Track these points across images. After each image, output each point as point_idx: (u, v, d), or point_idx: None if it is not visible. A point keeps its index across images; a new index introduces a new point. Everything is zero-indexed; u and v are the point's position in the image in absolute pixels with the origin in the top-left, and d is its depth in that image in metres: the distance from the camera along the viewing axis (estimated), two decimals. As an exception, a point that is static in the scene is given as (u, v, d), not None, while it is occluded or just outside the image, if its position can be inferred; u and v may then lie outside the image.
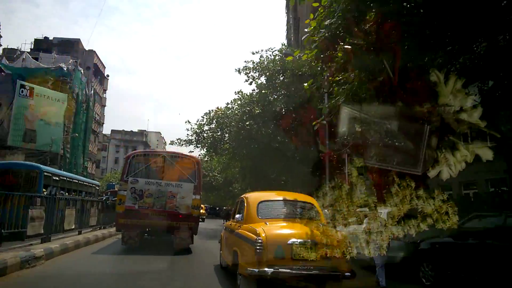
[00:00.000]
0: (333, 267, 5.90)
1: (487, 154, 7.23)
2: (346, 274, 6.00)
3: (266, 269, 5.63)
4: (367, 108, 5.75)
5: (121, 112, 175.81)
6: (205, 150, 27.98)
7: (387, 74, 5.93)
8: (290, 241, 5.82)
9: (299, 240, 5.86)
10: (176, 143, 29.30)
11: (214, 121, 26.60)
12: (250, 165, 24.43)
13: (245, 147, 22.48)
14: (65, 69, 39.28)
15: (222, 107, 27.39)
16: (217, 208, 60.89)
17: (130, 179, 11.70)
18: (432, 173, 7.31)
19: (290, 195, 7.90)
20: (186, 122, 43.39)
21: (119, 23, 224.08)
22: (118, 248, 11.99)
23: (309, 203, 7.36)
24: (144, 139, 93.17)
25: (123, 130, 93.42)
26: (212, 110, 26.79)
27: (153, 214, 11.41)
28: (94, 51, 54.76)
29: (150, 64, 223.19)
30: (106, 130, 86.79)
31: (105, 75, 59.33)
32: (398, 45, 5.78)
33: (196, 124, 27.48)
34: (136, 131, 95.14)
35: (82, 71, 43.25)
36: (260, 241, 5.82)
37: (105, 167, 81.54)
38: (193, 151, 27.81)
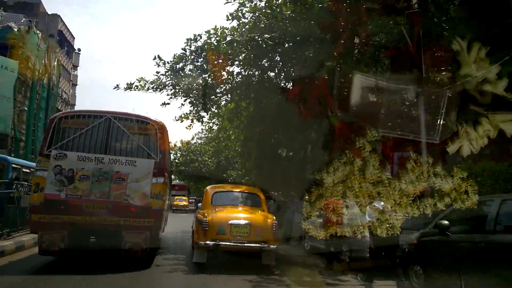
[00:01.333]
0: (263, 241, 7.82)
1: (511, 128, 6.75)
2: (272, 246, 7.88)
3: (209, 242, 7.72)
4: (381, 76, 5.41)
5: (106, 103, 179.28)
6: (188, 103, 14.55)
7: (404, 41, 5.51)
8: (230, 222, 7.91)
9: (237, 222, 7.92)
10: (137, 86, 13.72)
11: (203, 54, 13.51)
12: (260, 134, 15.20)
13: (256, 93, 12.97)
14: (15, 29, 31.69)
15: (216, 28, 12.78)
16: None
17: (53, 152, 7.81)
18: (451, 149, 6.88)
19: (240, 188, 10.22)
20: (154, 58, 13.46)
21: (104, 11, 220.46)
22: (35, 263, 7.97)
23: (254, 193, 9.53)
24: None
25: None
26: (199, 36, 12.96)
27: (90, 206, 7.65)
28: (59, 16, 44.18)
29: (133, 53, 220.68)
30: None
31: (76, 48, 50.96)
32: (418, 9, 5.37)
33: (173, 59, 13.52)
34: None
35: (39, 35, 34.72)
36: (206, 221, 7.98)
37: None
38: (169, 103, 14.10)
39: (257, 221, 7.94)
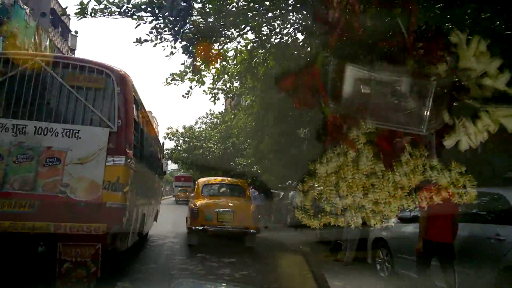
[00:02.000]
0: (245, 227, 9.09)
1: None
2: (252, 231, 9.20)
3: (198, 227, 9.11)
4: (375, 68, 5.34)
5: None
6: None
7: (400, 34, 5.39)
8: (216, 210, 9.35)
9: (222, 209, 9.32)
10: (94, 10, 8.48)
11: None
12: (280, 104, 11.40)
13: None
14: (-4, 1, 27.11)
15: None
16: None
17: None
18: (448, 143, 6.74)
19: (226, 180, 11.87)
20: None
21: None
22: None
23: (238, 185, 11.30)
24: None
25: None
26: None
27: (3, 204, 5.10)
28: (51, -8, 34.40)
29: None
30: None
31: (73, 31, 46.78)
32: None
33: None
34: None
35: (27, 10, 30.81)
36: (196, 210, 9.39)
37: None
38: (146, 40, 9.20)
39: (239, 209, 9.41)
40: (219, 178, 13.13)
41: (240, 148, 34.12)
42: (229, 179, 12.65)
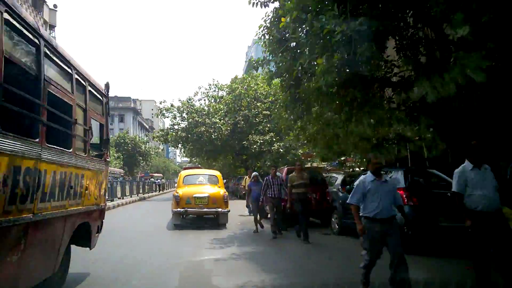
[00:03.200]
0: (217, 208, 11.08)
1: (480, 76, 6.57)
2: (224, 210, 11.13)
3: (180, 209, 10.91)
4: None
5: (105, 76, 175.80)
6: None
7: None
8: (194, 195, 11.05)
9: (199, 195, 11.09)
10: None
11: None
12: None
13: None
14: None
15: None
16: (225, 181, 34.76)
17: None
18: (415, 95, 6.63)
19: (204, 171, 14.55)
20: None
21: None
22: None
23: (214, 175, 13.01)
24: (132, 105, 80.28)
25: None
26: None
27: None
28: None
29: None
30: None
31: (52, 5, 39.67)
32: None
33: None
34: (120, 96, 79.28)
35: None
36: (178, 196, 11.13)
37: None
38: None
39: (213, 194, 11.24)
40: (198, 170, 15.63)
41: (254, 123, 27.94)
42: (206, 170, 15.49)
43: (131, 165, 58.94)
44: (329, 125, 7.11)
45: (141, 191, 29.73)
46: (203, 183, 12.06)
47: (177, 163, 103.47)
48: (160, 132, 35.37)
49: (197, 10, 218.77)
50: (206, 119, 29.36)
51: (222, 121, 29.22)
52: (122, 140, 58.41)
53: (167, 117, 32.68)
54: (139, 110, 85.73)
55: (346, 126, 6.85)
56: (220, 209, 10.96)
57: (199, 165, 45.70)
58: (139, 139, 63.82)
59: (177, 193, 11.27)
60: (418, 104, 6.76)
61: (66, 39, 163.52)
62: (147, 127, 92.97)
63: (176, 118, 31.94)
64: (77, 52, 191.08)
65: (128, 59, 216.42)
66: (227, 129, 28.63)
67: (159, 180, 47.26)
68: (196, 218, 12.12)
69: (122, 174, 43.66)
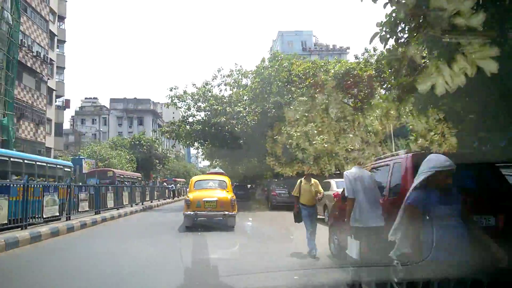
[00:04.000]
0: (224, 211, 11.81)
1: (491, 66, 6.35)
2: (231, 213, 11.84)
3: (191, 212, 11.87)
4: None
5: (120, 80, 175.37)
6: None
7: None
8: (203, 199, 11.95)
9: (208, 199, 11.99)
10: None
11: None
12: None
13: None
14: None
15: None
16: (250, 187, 36.69)
17: None
18: (422, 86, 6.48)
19: (213, 177, 14.92)
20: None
21: None
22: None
23: (223, 180, 13.85)
24: (152, 107, 76.61)
25: (125, 98, 74.84)
26: None
27: None
28: None
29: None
30: (103, 100, 76.12)
31: None
32: None
33: None
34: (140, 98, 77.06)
35: None
36: (189, 200, 12.17)
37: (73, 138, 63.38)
38: None
39: (221, 198, 12.11)
40: (208, 176, 16.85)
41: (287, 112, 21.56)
42: (216, 175, 15.91)
43: (146, 169, 53.26)
44: (337, 120, 7.06)
45: (148, 198, 26.63)
46: (212, 188, 13.18)
47: (199, 168, 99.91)
48: (171, 126, 28.35)
49: (219, 10, 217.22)
50: (227, 108, 23.55)
51: (247, 109, 23.31)
52: (137, 142, 54.60)
53: (180, 107, 26.88)
54: (159, 114, 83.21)
55: (353, 120, 6.81)
56: (227, 212, 11.87)
57: (222, 171, 44.05)
58: (154, 140, 59.12)
59: (188, 197, 12.50)
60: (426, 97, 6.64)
61: (81, 33, 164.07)
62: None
63: (190, 109, 26.03)
64: (92, 50, 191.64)
65: (148, 62, 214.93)
66: (254, 119, 21.98)
67: (172, 186, 44.01)
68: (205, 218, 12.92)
69: (140, 178, 38.54)
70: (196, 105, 26.27)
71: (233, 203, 12.09)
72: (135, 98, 74.66)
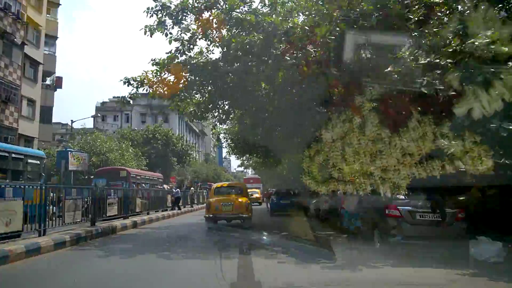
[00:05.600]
0: (240, 213, 13.27)
1: (527, 91, 6.55)
2: (245, 215, 13.25)
3: (210, 215, 13.36)
4: (376, 34, 5.35)
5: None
6: None
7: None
8: (221, 203, 13.42)
9: (225, 203, 13.45)
10: None
11: None
12: None
13: None
14: None
15: None
16: (292, 193, 27.61)
17: None
18: (459, 111, 6.54)
19: (231, 183, 17.85)
20: None
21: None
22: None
23: (239, 186, 15.98)
24: None
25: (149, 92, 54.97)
26: None
27: None
28: None
29: None
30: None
31: None
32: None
33: None
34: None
35: None
36: (209, 204, 13.90)
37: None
38: None
39: (236, 202, 13.53)
40: (226, 183, 18.53)
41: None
42: (233, 182, 18.89)
43: (162, 169, 42.00)
44: (373, 141, 7.22)
45: (137, 208, 16.71)
46: (230, 194, 14.57)
47: (231, 173, 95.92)
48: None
49: None
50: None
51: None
52: (152, 135, 44.25)
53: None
54: None
55: (389, 142, 6.94)
56: (242, 215, 13.36)
57: (258, 176, 43.12)
58: (172, 134, 47.50)
59: (208, 202, 14.34)
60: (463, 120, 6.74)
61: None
62: (197, 130, 78.10)
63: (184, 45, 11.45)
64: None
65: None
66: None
67: (177, 190, 25.58)
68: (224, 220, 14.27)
69: (162, 180, 31.18)
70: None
71: (248, 206, 13.60)
72: None
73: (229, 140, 23.89)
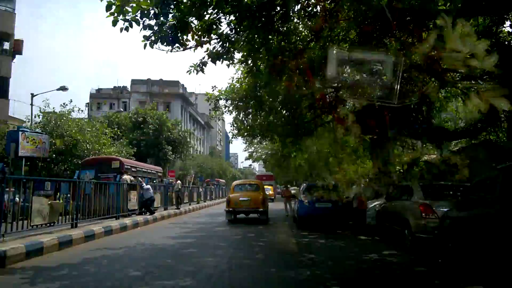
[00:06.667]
0: (257, 208, 14.89)
1: (502, 103, 6.72)
2: (261, 209, 14.84)
3: (230, 208, 15.07)
4: (357, 51, 5.52)
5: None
6: None
7: (385, 16, 5.55)
8: (240, 199, 15.10)
9: (243, 198, 15.10)
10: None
11: None
12: None
13: None
14: None
15: None
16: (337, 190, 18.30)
17: None
18: (437, 120, 6.95)
19: (249, 181, 19.73)
20: None
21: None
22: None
23: (256, 184, 17.52)
24: (181, 91, 59.94)
25: (149, 79, 60.04)
26: None
27: None
28: None
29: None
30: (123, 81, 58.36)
31: None
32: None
33: None
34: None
35: None
36: (229, 199, 15.58)
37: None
38: None
39: (253, 197, 15.23)
40: (245, 180, 22.34)
41: None
42: (251, 180, 20.72)
43: (156, 160, 35.11)
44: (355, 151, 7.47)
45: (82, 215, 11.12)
46: (248, 190, 16.47)
47: (238, 168, 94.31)
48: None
49: None
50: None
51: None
52: (142, 118, 36.26)
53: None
54: (192, 101, 68.61)
55: (371, 152, 7.20)
56: (259, 209, 15.01)
57: (270, 173, 43.65)
58: (167, 118, 38.34)
59: (228, 197, 16.17)
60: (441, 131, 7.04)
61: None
62: (202, 122, 74.05)
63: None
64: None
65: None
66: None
67: (148, 187, 17.38)
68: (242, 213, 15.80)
69: (160, 175, 25.48)
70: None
71: (264, 202, 15.30)
72: (161, 79, 60.03)
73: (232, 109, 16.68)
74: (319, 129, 9.32)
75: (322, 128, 7.47)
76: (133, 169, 19.87)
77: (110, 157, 20.64)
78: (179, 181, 23.14)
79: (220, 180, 58.21)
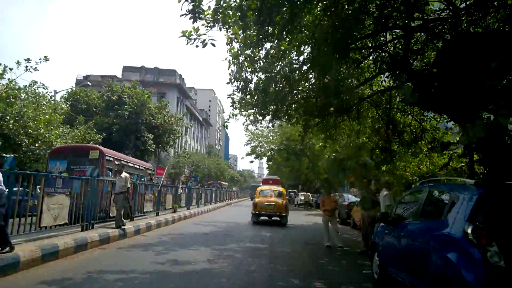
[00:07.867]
0: (279, 212, 17.21)
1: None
2: (283, 214, 17.21)
3: (256, 212, 17.39)
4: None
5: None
6: None
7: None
8: (265, 203, 17.39)
9: (268, 203, 17.40)
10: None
11: None
12: None
13: None
14: None
15: None
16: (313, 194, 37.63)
17: None
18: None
19: (273, 187, 21.14)
20: None
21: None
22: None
23: (279, 190, 19.23)
24: (178, 81, 52.92)
25: (143, 66, 53.22)
26: None
27: None
28: None
29: None
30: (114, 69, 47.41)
31: None
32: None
33: None
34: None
35: None
36: (255, 203, 17.77)
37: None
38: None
39: (277, 203, 17.41)
40: (269, 186, 22.98)
41: None
42: (274, 187, 22.03)
43: (132, 151, 29.35)
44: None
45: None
46: (272, 196, 18.40)
47: (237, 170, 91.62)
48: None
49: None
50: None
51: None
52: (116, 97, 29.73)
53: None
54: (192, 96, 64.44)
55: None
56: (282, 214, 17.27)
57: (277, 177, 44.35)
58: (148, 97, 31.65)
59: (254, 201, 18.03)
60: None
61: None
62: (200, 118, 69.66)
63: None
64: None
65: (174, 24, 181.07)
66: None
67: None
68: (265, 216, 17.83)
69: (150, 172, 21.72)
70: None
71: (286, 207, 17.61)
72: (156, 67, 53.51)
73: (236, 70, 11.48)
74: (364, 104, 9.51)
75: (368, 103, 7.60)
76: (116, 162, 15.39)
77: (87, 145, 17.19)
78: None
79: (223, 183, 55.65)
